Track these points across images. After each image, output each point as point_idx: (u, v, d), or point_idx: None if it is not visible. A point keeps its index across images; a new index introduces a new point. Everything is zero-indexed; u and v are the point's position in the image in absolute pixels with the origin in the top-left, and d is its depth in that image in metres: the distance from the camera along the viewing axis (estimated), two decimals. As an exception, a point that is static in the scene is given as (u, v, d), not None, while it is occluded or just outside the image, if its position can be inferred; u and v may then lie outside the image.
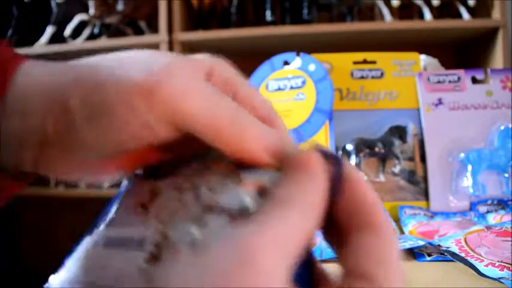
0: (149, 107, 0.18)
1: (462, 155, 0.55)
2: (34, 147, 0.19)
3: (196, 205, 0.18)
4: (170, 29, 1.18)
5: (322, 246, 0.42)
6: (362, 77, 0.61)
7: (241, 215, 0.16)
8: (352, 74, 0.61)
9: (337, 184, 0.17)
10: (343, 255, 0.17)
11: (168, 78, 0.18)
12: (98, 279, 0.17)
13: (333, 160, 0.18)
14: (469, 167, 0.55)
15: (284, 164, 0.18)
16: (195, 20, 1.23)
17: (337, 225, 0.18)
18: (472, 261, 0.37)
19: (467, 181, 0.55)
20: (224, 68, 0.22)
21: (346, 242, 0.17)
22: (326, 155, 0.18)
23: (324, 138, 0.58)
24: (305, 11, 1.17)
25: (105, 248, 0.19)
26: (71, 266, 0.19)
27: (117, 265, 0.17)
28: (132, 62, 0.19)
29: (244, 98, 0.22)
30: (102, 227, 0.20)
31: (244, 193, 0.17)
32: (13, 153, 0.20)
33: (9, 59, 0.19)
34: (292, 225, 0.15)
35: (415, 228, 0.48)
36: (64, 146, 0.19)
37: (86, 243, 0.20)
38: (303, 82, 0.59)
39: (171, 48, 1.17)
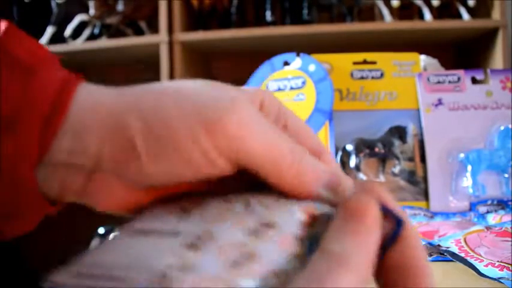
0: (215, 143, 0.18)
1: (462, 155, 0.55)
2: (84, 172, 0.19)
3: (251, 218, 0.17)
4: (170, 29, 1.18)
5: None
6: (362, 78, 0.61)
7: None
8: (352, 75, 0.61)
9: (391, 243, 0.17)
10: None
11: (233, 114, 0.18)
12: (124, 259, 0.16)
13: (393, 218, 0.17)
14: (469, 167, 0.55)
15: (339, 204, 0.17)
16: (195, 20, 1.23)
17: (382, 281, 0.17)
18: (472, 261, 0.37)
19: (467, 181, 0.55)
20: (273, 100, 0.21)
21: None
22: (386, 212, 0.17)
23: (324, 138, 0.58)
24: (305, 11, 1.17)
25: (135, 235, 0.18)
26: (94, 251, 0.18)
27: (148, 247, 0.16)
28: (197, 93, 0.19)
29: (294, 131, 0.21)
30: (132, 223, 0.19)
31: (300, 216, 0.17)
32: (59, 175, 0.19)
33: (69, 79, 0.19)
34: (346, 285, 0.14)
35: (415, 228, 0.48)
36: (120, 174, 0.19)
37: (112, 235, 0.19)
38: (303, 82, 0.59)
39: (171, 48, 1.17)
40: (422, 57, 0.67)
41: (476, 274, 0.35)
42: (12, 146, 0.17)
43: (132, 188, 0.20)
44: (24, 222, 0.20)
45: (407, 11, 1.17)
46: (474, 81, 0.59)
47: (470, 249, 0.39)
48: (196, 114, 0.18)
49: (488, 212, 0.51)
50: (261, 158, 0.18)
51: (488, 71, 0.59)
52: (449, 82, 0.58)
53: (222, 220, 0.17)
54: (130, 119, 0.18)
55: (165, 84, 0.20)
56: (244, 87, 0.21)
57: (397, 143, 0.58)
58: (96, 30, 1.24)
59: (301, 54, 0.61)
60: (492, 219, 0.49)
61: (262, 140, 0.18)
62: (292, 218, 0.17)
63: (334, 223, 0.16)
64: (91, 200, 0.20)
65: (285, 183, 0.18)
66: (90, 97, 0.19)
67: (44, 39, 1.22)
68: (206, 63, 1.40)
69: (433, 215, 0.53)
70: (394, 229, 0.17)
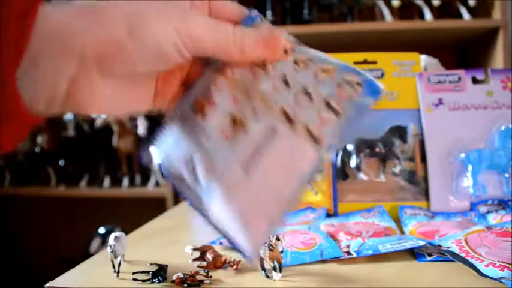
0: (181, 39, 0.24)
1: (462, 155, 0.55)
2: (68, 74, 0.22)
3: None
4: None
5: (322, 247, 0.42)
6: (362, 77, 0.61)
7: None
8: (352, 74, 0.61)
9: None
10: None
11: (190, 18, 0.24)
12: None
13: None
14: (470, 167, 0.54)
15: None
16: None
17: None
18: (473, 261, 0.37)
19: (467, 181, 0.55)
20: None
21: None
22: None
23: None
24: (305, 11, 1.17)
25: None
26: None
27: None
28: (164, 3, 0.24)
29: (216, 10, 0.28)
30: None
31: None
32: (43, 82, 0.22)
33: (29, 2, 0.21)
34: None
35: (416, 228, 0.48)
36: (105, 68, 0.23)
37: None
38: (304, 82, 0.59)
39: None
40: (423, 57, 0.67)
41: (477, 274, 0.35)
42: None
43: (115, 85, 0.24)
44: (8, 131, 0.22)
45: (407, 10, 1.17)
46: (475, 81, 0.59)
47: (471, 249, 0.39)
48: (167, 15, 0.23)
49: (488, 212, 0.51)
50: (212, 46, 0.25)
51: (489, 70, 0.59)
52: (450, 82, 0.58)
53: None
54: (116, 16, 0.23)
55: None
56: None
57: (397, 142, 0.58)
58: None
59: (302, 54, 0.61)
60: (493, 219, 0.49)
61: (211, 34, 0.25)
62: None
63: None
64: (76, 102, 0.23)
65: (235, 59, 0.26)
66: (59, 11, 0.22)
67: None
68: (206, 63, 1.40)
69: (434, 215, 0.53)
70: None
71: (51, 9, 0.22)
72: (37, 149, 1.61)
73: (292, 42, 0.27)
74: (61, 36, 0.21)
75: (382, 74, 0.61)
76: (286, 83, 0.23)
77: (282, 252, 0.36)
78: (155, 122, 1.42)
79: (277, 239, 0.36)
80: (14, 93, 0.21)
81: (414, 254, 0.42)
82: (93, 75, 0.23)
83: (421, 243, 0.41)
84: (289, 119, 0.22)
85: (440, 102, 0.58)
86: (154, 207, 1.02)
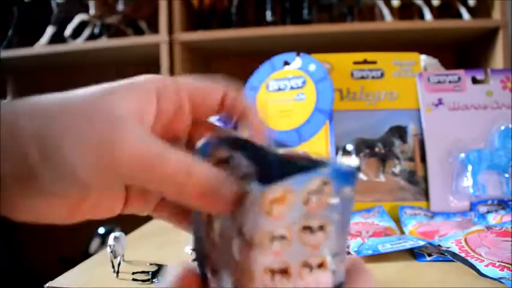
0: (104, 168, 0.20)
1: (462, 155, 0.55)
2: None
3: None
4: (170, 29, 1.18)
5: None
6: (362, 77, 0.61)
7: None
8: (352, 74, 0.61)
9: None
10: None
11: (118, 144, 0.19)
12: None
13: None
14: (469, 167, 0.54)
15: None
16: (195, 20, 1.23)
17: None
18: (473, 261, 0.37)
19: (467, 181, 0.55)
20: (170, 87, 0.23)
21: None
22: None
23: (324, 138, 0.58)
24: (305, 11, 1.17)
25: None
26: None
27: None
28: (87, 117, 0.20)
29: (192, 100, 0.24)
30: None
31: None
32: None
33: None
34: None
35: (416, 228, 0.48)
36: (23, 193, 0.20)
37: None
38: (303, 82, 0.59)
39: (171, 48, 1.17)
40: (423, 57, 0.67)
41: (476, 274, 0.35)
42: None
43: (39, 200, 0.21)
44: None
45: (407, 10, 1.17)
46: (474, 81, 0.59)
47: (471, 249, 0.39)
48: (87, 139, 0.19)
49: (488, 212, 0.51)
50: (140, 178, 0.20)
51: (489, 70, 0.59)
52: (450, 82, 0.58)
53: None
54: (28, 141, 0.20)
55: (58, 101, 0.21)
56: (137, 81, 0.22)
57: (397, 143, 0.58)
58: (96, 30, 1.24)
59: (302, 54, 0.61)
60: (492, 219, 0.49)
61: (140, 163, 0.19)
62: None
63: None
64: (5, 210, 0.21)
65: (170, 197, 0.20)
66: None
67: (44, 39, 1.22)
68: (206, 63, 1.40)
69: (434, 215, 0.53)
70: None
71: None
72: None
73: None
74: None
75: (382, 74, 0.61)
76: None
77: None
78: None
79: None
80: None
81: (414, 254, 0.42)
82: (14, 194, 0.21)
83: (421, 243, 0.41)
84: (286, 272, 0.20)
85: (440, 102, 0.58)
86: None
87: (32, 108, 0.20)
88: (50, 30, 1.22)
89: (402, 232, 0.49)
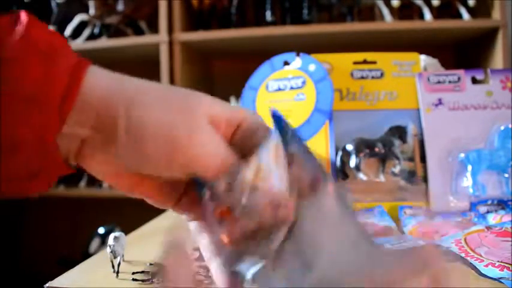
0: (177, 159, 0.23)
1: (462, 155, 0.55)
2: (79, 140, 0.24)
3: None
4: (170, 29, 1.18)
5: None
6: (362, 77, 0.61)
7: None
8: (352, 74, 0.61)
9: None
10: None
11: (194, 138, 0.24)
12: None
13: None
14: (469, 167, 0.55)
15: None
16: (195, 20, 1.23)
17: None
18: (472, 261, 0.37)
19: (467, 181, 0.55)
20: (255, 122, 0.27)
21: None
22: None
23: (324, 138, 0.58)
24: (305, 11, 1.17)
25: None
26: None
27: None
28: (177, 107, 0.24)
29: None
30: None
31: None
32: (66, 142, 0.23)
33: (79, 64, 0.24)
34: None
35: (415, 228, 0.48)
36: (102, 148, 0.24)
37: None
38: (303, 82, 0.59)
39: (171, 48, 1.17)
40: (423, 57, 0.67)
41: (476, 274, 0.35)
42: (37, 119, 0.22)
43: (114, 164, 0.24)
44: (46, 181, 0.24)
45: (407, 10, 1.17)
46: (474, 81, 0.59)
47: (471, 249, 0.39)
48: (169, 129, 0.23)
49: (488, 212, 0.51)
50: (207, 174, 0.24)
51: (489, 70, 0.59)
52: (450, 82, 0.58)
53: None
54: (118, 107, 0.23)
55: (160, 86, 0.25)
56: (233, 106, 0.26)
57: (397, 143, 0.58)
58: (96, 30, 1.24)
59: (301, 54, 0.61)
60: (492, 219, 0.49)
61: (211, 160, 0.24)
62: None
63: None
64: (86, 165, 0.25)
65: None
66: (96, 80, 0.24)
67: (44, 39, 1.22)
68: (206, 63, 1.40)
69: (433, 215, 0.53)
70: None
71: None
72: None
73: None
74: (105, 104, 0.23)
75: (382, 74, 0.61)
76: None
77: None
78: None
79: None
80: (55, 152, 0.23)
81: (414, 254, 0.41)
82: (96, 147, 0.24)
83: (421, 243, 0.41)
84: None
85: (439, 102, 0.58)
86: (154, 207, 1.01)
87: (124, 88, 0.24)
88: (49, 30, 1.22)
89: (402, 232, 0.49)
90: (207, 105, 0.25)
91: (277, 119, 0.24)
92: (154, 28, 1.23)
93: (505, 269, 0.34)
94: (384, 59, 0.61)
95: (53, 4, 1.23)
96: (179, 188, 0.27)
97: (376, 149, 0.58)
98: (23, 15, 0.23)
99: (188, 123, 0.24)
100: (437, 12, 1.15)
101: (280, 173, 0.22)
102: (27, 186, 0.23)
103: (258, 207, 0.22)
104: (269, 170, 0.22)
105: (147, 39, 1.20)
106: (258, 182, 0.22)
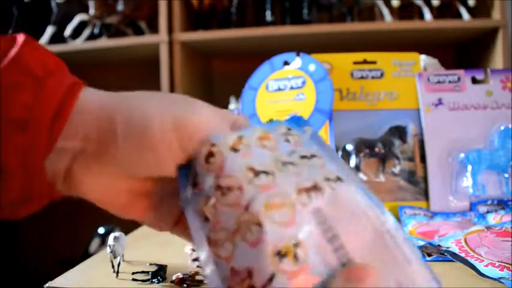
0: (178, 138, 0.23)
1: (462, 155, 0.55)
2: (70, 154, 0.23)
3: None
4: (170, 29, 1.18)
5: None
6: (362, 77, 0.61)
7: None
8: (352, 74, 0.61)
9: None
10: None
11: (194, 117, 0.24)
12: None
13: None
14: (469, 167, 0.55)
15: None
16: (195, 20, 1.23)
17: None
18: (472, 261, 0.37)
19: (467, 181, 0.55)
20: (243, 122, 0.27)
21: None
22: None
23: (324, 138, 0.58)
24: (305, 11, 1.17)
25: None
26: None
27: None
28: (172, 103, 0.25)
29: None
30: None
31: None
32: (52, 161, 0.23)
33: (72, 86, 0.23)
34: None
35: (415, 228, 0.48)
36: (99, 157, 0.23)
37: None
38: (303, 82, 0.59)
39: (171, 48, 1.17)
40: (423, 57, 0.67)
41: (476, 274, 0.35)
42: (24, 142, 0.21)
43: (111, 176, 0.24)
44: (35, 205, 0.24)
45: (407, 11, 1.17)
46: (474, 81, 0.59)
47: (471, 249, 0.39)
48: (167, 117, 0.23)
49: (488, 212, 0.51)
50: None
51: (489, 70, 0.59)
52: (450, 82, 0.58)
53: None
54: (116, 111, 0.23)
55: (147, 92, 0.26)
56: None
57: (397, 142, 0.58)
58: (96, 30, 1.24)
59: (301, 54, 0.61)
60: (492, 219, 0.49)
61: (214, 122, 0.24)
62: None
63: None
64: (76, 185, 0.24)
65: None
66: (87, 100, 0.23)
67: (44, 39, 1.22)
68: (206, 63, 1.40)
69: (433, 214, 0.53)
70: None
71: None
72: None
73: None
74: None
75: (382, 74, 0.61)
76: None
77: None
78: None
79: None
80: (42, 177, 0.23)
81: (414, 254, 0.41)
82: (91, 158, 0.24)
83: (421, 243, 0.41)
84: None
85: (439, 102, 0.58)
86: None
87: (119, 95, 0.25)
88: (49, 30, 1.22)
89: (402, 232, 0.49)
90: (202, 105, 0.26)
91: (297, 120, 0.27)
92: (154, 28, 1.23)
93: (505, 269, 0.34)
94: (384, 59, 0.61)
95: (53, 4, 1.23)
96: (176, 210, 0.26)
97: (376, 149, 0.58)
98: (20, 37, 0.23)
99: (187, 101, 0.25)
100: (437, 12, 1.15)
101: (261, 152, 0.23)
102: (17, 210, 0.23)
103: (236, 173, 0.22)
104: (249, 144, 0.23)
105: (147, 39, 1.20)
106: (238, 146, 0.23)
